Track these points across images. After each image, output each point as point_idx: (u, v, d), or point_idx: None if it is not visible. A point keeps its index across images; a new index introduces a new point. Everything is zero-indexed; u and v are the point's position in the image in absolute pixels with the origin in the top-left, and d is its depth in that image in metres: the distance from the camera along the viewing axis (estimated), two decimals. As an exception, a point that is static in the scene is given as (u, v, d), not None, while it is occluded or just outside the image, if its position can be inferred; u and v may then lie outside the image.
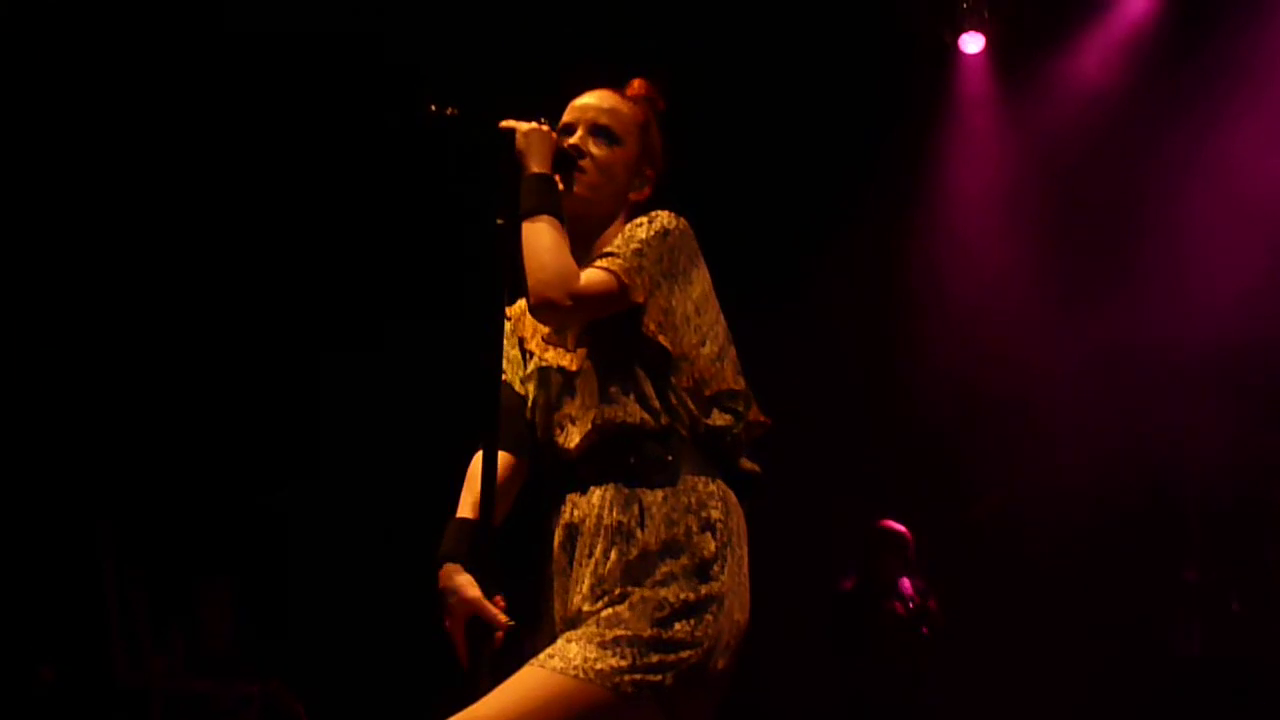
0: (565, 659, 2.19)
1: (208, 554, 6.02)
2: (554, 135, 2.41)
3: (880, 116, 6.48)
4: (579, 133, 2.50)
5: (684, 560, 2.27)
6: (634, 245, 2.36)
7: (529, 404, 2.50)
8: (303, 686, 5.74)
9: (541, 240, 2.31)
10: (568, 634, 2.25)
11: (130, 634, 5.45)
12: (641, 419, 2.35)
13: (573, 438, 2.39)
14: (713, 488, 2.35)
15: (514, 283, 2.36)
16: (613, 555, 2.29)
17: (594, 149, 2.48)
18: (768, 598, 2.58)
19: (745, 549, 2.36)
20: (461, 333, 2.84)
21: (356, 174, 6.09)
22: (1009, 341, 6.49)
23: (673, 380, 2.37)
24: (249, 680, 5.65)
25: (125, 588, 5.46)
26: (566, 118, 2.53)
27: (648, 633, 2.20)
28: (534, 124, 2.40)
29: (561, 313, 2.32)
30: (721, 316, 2.47)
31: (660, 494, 2.32)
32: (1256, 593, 6.04)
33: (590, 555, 2.32)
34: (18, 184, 5.78)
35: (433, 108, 2.35)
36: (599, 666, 2.17)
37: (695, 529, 2.30)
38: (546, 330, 2.51)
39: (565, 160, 2.43)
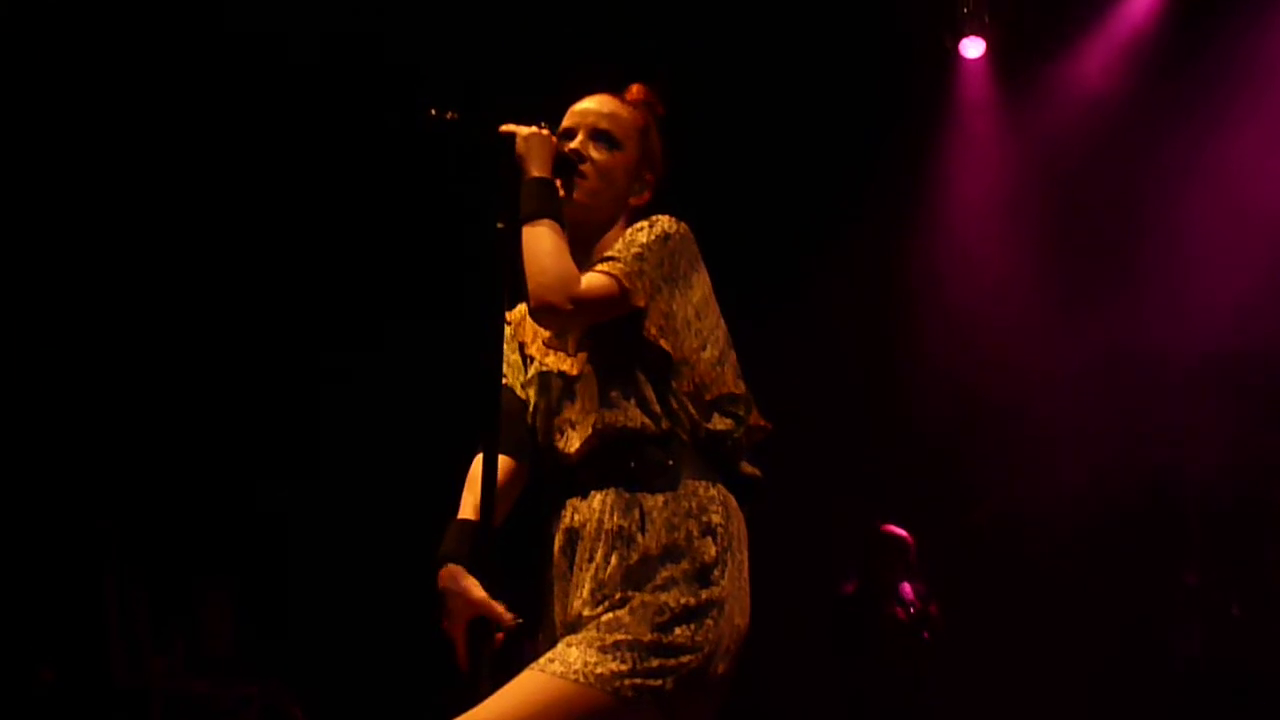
0: (565, 663, 2.19)
1: (208, 555, 6.02)
2: (554, 140, 2.42)
3: (880, 121, 6.48)
4: (579, 137, 2.50)
5: (685, 565, 2.27)
6: (634, 249, 2.37)
7: (530, 409, 2.51)
8: (302, 688, 5.74)
9: (542, 244, 2.32)
10: (568, 638, 2.26)
11: (130, 635, 5.44)
12: (642, 423, 2.35)
13: (573, 442, 2.40)
14: (713, 492, 2.36)
15: (514, 287, 2.36)
16: (613, 560, 2.29)
17: (594, 153, 2.48)
18: (768, 601, 2.59)
19: (746, 553, 2.37)
20: (461, 334, 2.85)
21: (356, 174, 6.08)
22: (1009, 345, 6.49)
23: (673, 385, 2.37)
24: (248, 681, 5.65)
25: (125, 588, 5.46)
26: (566, 122, 2.53)
27: (648, 637, 2.21)
28: (534, 128, 2.41)
29: (562, 317, 2.32)
30: (722, 320, 2.48)
31: (661, 499, 2.32)
32: (1257, 596, 6.04)
33: (591, 560, 2.33)
34: (18, 184, 5.78)
35: (433, 112, 2.36)
36: (599, 671, 2.18)
37: (696, 534, 2.30)
38: (546, 335, 2.51)
39: (566, 165, 2.44)
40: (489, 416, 2.34)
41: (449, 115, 2.36)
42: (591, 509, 2.36)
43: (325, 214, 6.22)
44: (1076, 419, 6.36)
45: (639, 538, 2.30)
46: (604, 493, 2.36)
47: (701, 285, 2.45)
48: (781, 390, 3.11)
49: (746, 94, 6.14)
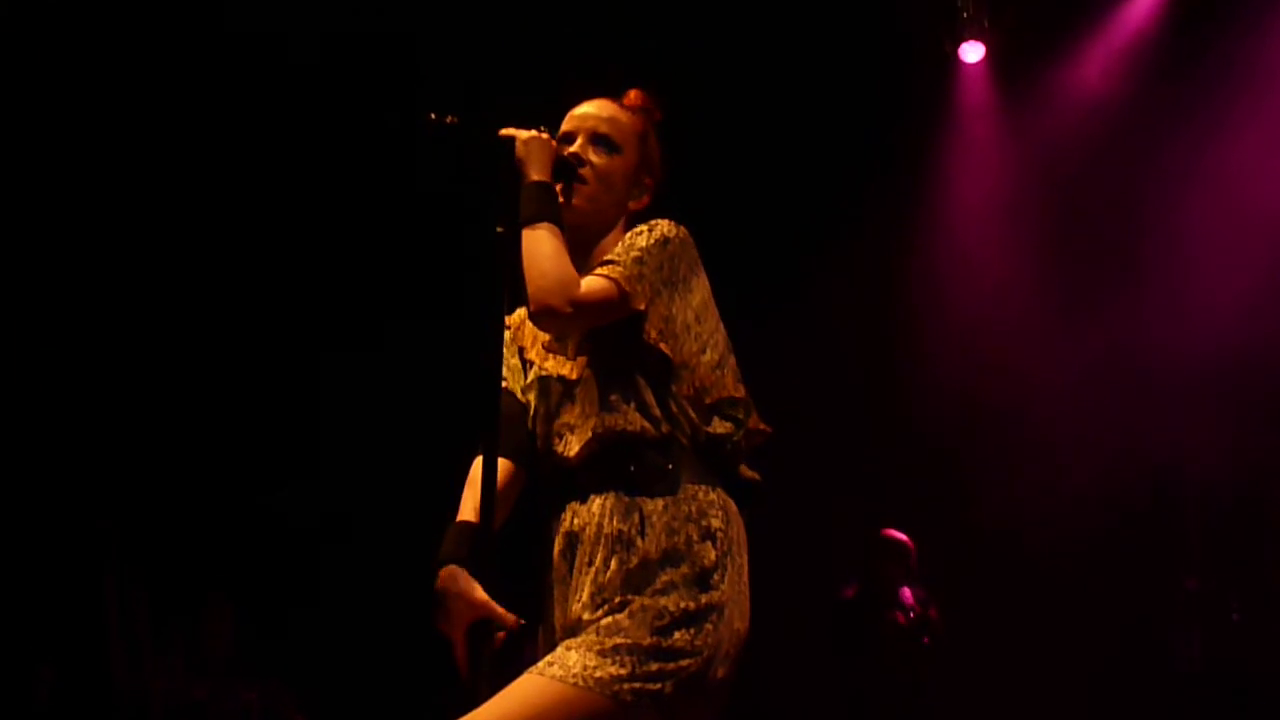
0: (565, 667, 2.19)
1: (208, 558, 6.02)
2: (554, 143, 2.42)
3: (880, 125, 6.49)
4: (579, 141, 2.50)
5: (684, 569, 2.27)
6: (634, 253, 2.37)
7: (530, 413, 2.51)
8: (302, 691, 5.74)
9: (542, 248, 2.32)
10: (567, 642, 2.26)
11: (130, 638, 5.44)
12: (642, 427, 2.35)
13: (572, 446, 2.40)
14: (713, 496, 2.36)
15: (513, 290, 2.37)
16: (613, 564, 2.29)
17: (594, 157, 2.49)
18: (768, 605, 2.59)
19: (745, 558, 2.36)
20: (461, 337, 2.85)
21: (355, 175, 6.09)
22: (1009, 349, 6.49)
23: (673, 388, 2.37)
24: (248, 685, 5.65)
25: (126, 591, 5.46)
26: (566, 126, 2.54)
27: (647, 641, 2.21)
28: (534, 132, 2.41)
29: (562, 320, 2.32)
30: (721, 324, 2.48)
31: (661, 502, 2.32)
32: (1257, 599, 6.04)
33: (590, 563, 2.33)
34: (19, 184, 5.78)
35: (433, 115, 2.36)
36: (598, 674, 2.18)
37: (696, 538, 2.30)
38: (546, 338, 2.51)
39: (565, 168, 2.44)
40: (489, 419, 2.34)
41: (449, 119, 2.37)
42: (591, 513, 2.36)
43: (325, 216, 6.22)
44: (1076, 423, 6.37)
45: (638, 542, 2.30)
46: (603, 497, 2.35)
47: (701, 289, 2.45)
48: (782, 394, 3.12)
49: (747, 98, 6.15)
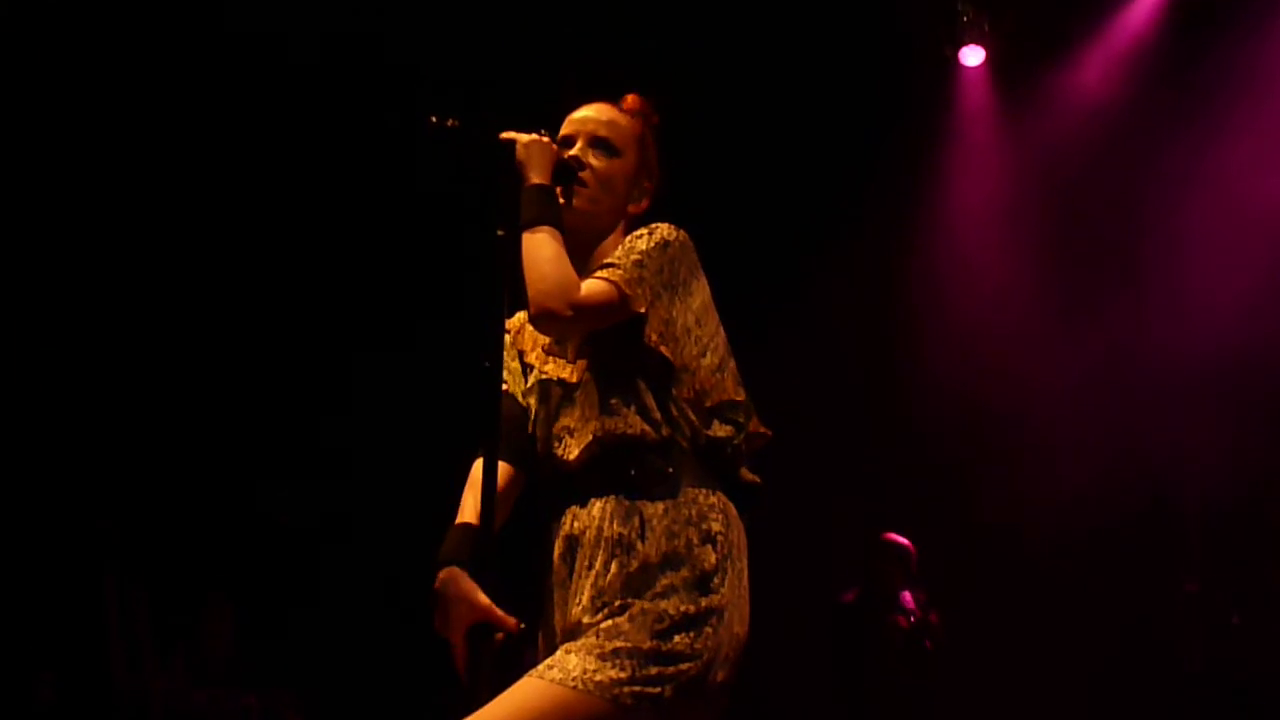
0: (564, 670, 2.19)
1: (209, 563, 6.02)
2: (554, 147, 2.42)
3: (880, 129, 6.49)
4: (578, 144, 2.51)
5: (684, 573, 2.27)
6: (634, 256, 2.37)
7: (531, 417, 2.50)
8: (302, 696, 5.73)
9: (542, 251, 2.32)
10: (567, 645, 2.25)
11: (130, 639, 5.43)
12: (642, 431, 2.35)
13: (572, 450, 2.39)
14: (713, 500, 2.35)
15: (514, 294, 2.36)
16: (613, 567, 2.29)
17: (593, 160, 2.49)
18: (768, 609, 2.58)
19: (745, 561, 2.36)
20: (461, 340, 2.85)
21: (354, 176, 6.09)
22: (1009, 353, 6.49)
23: (673, 391, 2.37)
24: (248, 689, 5.64)
25: (126, 592, 5.45)
26: (565, 130, 2.54)
27: (647, 645, 2.20)
28: (534, 135, 2.41)
29: (562, 323, 2.32)
30: (721, 327, 2.48)
31: (661, 506, 2.32)
32: (1257, 603, 6.03)
33: (590, 567, 2.32)
34: (20, 185, 5.78)
35: (434, 119, 2.36)
36: (598, 678, 2.17)
37: (696, 541, 2.30)
38: (546, 342, 2.51)
39: (565, 172, 2.44)
40: (489, 421, 2.33)
41: (450, 122, 2.37)
42: (591, 516, 2.35)
43: (324, 217, 6.22)
44: (1077, 426, 6.36)
45: (639, 545, 2.29)
46: (604, 500, 2.35)
47: (701, 292, 2.45)
48: (782, 397, 3.12)
49: (747, 102, 6.16)
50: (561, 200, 2.42)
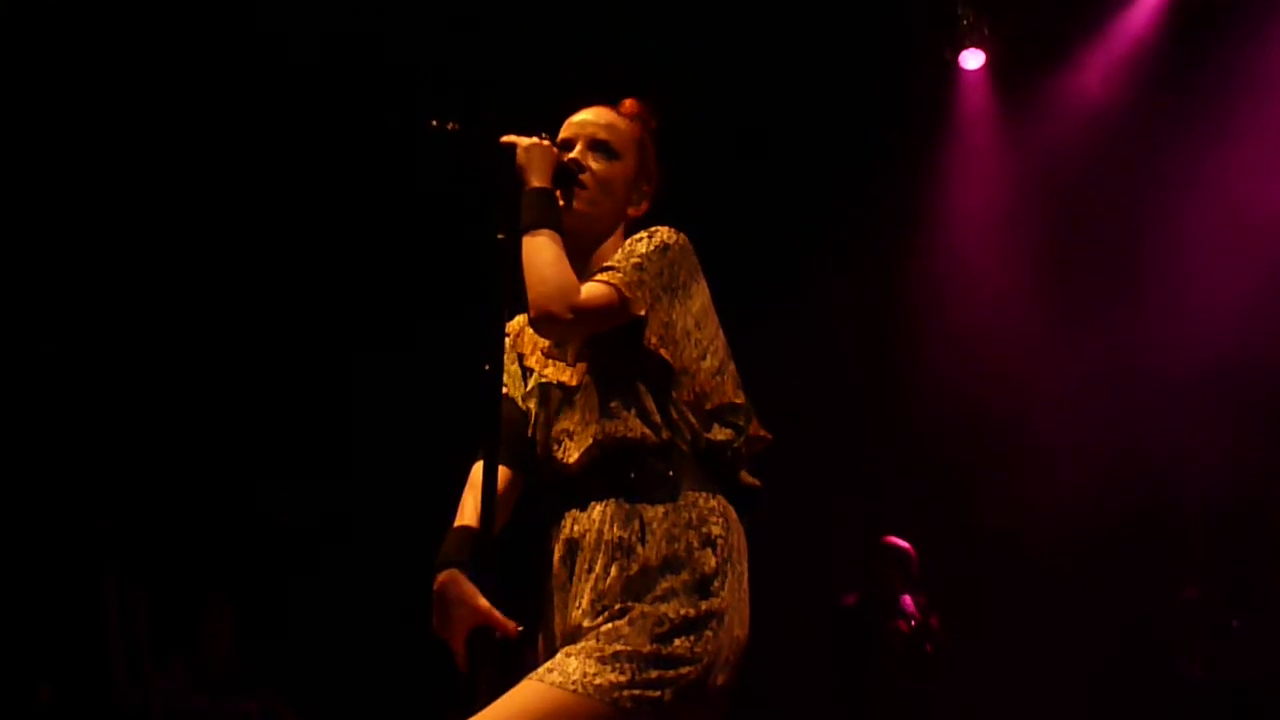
0: (564, 673, 2.19)
1: (209, 563, 6.02)
2: (554, 150, 2.43)
3: (880, 132, 6.49)
4: (578, 147, 2.51)
5: (684, 576, 2.27)
6: (634, 259, 2.37)
7: (531, 421, 2.51)
8: (301, 701, 5.73)
9: (542, 254, 2.32)
10: (567, 649, 2.25)
11: (130, 650, 5.43)
12: (643, 434, 2.35)
13: (572, 453, 2.39)
14: (713, 503, 2.35)
15: (514, 297, 2.37)
16: (613, 571, 2.29)
17: (593, 164, 2.49)
18: (768, 612, 2.59)
19: (745, 565, 2.36)
20: (461, 343, 2.85)
21: (354, 178, 6.08)
22: (1009, 357, 6.49)
23: (673, 395, 2.37)
24: (247, 695, 5.64)
25: (126, 597, 5.45)
26: (564, 133, 2.54)
27: (647, 648, 2.20)
28: (535, 139, 2.42)
29: (562, 326, 2.32)
30: (721, 330, 2.48)
31: (661, 509, 2.32)
32: (1258, 606, 6.03)
33: (590, 570, 2.32)
34: (21, 185, 5.78)
35: (434, 122, 2.36)
36: (598, 681, 2.17)
37: (696, 545, 2.30)
38: (546, 345, 2.51)
39: (566, 175, 2.44)
40: (489, 424, 2.33)
41: (450, 126, 2.37)
42: (591, 520, 2.36)
43: (323, 218, 6.22)
44: (1077, 429, 6.36)
45: (639, 549, 2.29)
46: (604, 503, 2.35)
47: (701, 295, 2.46)
48: (783, 400, 3.11)
49: (747, 104, 6.15)
50: (561, 203, 2.42)
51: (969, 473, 6.45)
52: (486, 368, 2.34)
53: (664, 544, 2.29)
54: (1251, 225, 6.11)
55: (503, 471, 2.46)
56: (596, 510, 2.35)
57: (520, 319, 2.57)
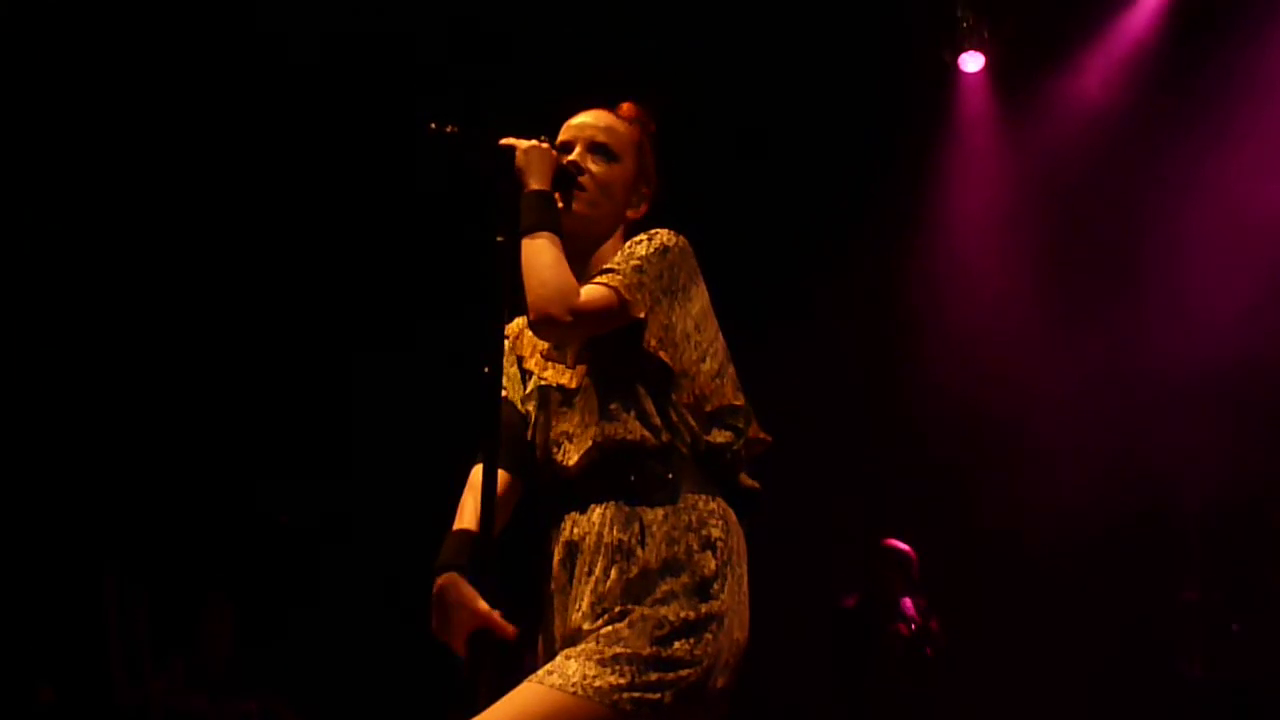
0: (564, 676, 2.19)
1: (209, 563, 6.02)
2: (553, 153, 2.43)
3: (880, 135, 6.49)
4: (577, 150, 2.51)
5: (684, 579, 2.27)
6: (634, 262, 2.37)
7: (531, 424, 2.51)
8: (301, 702, 5.73)
9: (541, 257, 2.32)
10: (567, 651, 2.25)
11: (130, 652, 5.43)
12: (642, 436, 2.35)
13: (571, 455, 2.39)
14: (713, 506, 2.35)
15: (513, 300, 2.37)
16: (613, 573, 2.29)
17: (593, 166, 2.49)
18: (768, 614, 2.59)
19: (745, 567, 2.36)
20: (461, 346, 2.85)
21: (354, 179, 6.08)
22: (1009, 360, 6.49)
23: (673, 397, 2.37)
24: (246, 696, 5.64)
25: (126, 605, 5.45)
26: (563, 136, 2.54)
27: (647, 651, 2.20)
28: (534, 141, 2.42)
29: (561, 328, 2.32)
30: (720, 333, 2.48)
31: (661, 512, 2.32)
32: (1258, 608, 6.03)
33: (590, 573, 2.32)
34: (22, 187, 5.78)
35: (433, 125, 2.36)
36: (598, 684, 2.18)
37: (696, 547, 2.30)
38: (545, 347, 2.51)
39: (565, 177, 2.44)
40: (489, 427, 2.34)
41: (449, 129, 2.37)
42: (591, 522, 2.36)
43: (323, 219, 6.22)
44: (1077, 431, 6.36)
45: (638, 551, 2.30)
46: (603, 506, 2.35)
47: (700, 298, 2.46)
48: (782, 402, 3.11)
49: (748, 106, 6.15)
50: (560, 205, 2.42)
51: (969, 474, 6.44)
52: (486, 370, 2.34)
53: (664, 547, 2.29)
54: (1251, 226, 6.11)
55: (502, 474, 2.46)
56: (596, 513, 2.36)
57: (519, 321, 2.57)
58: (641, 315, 2.34)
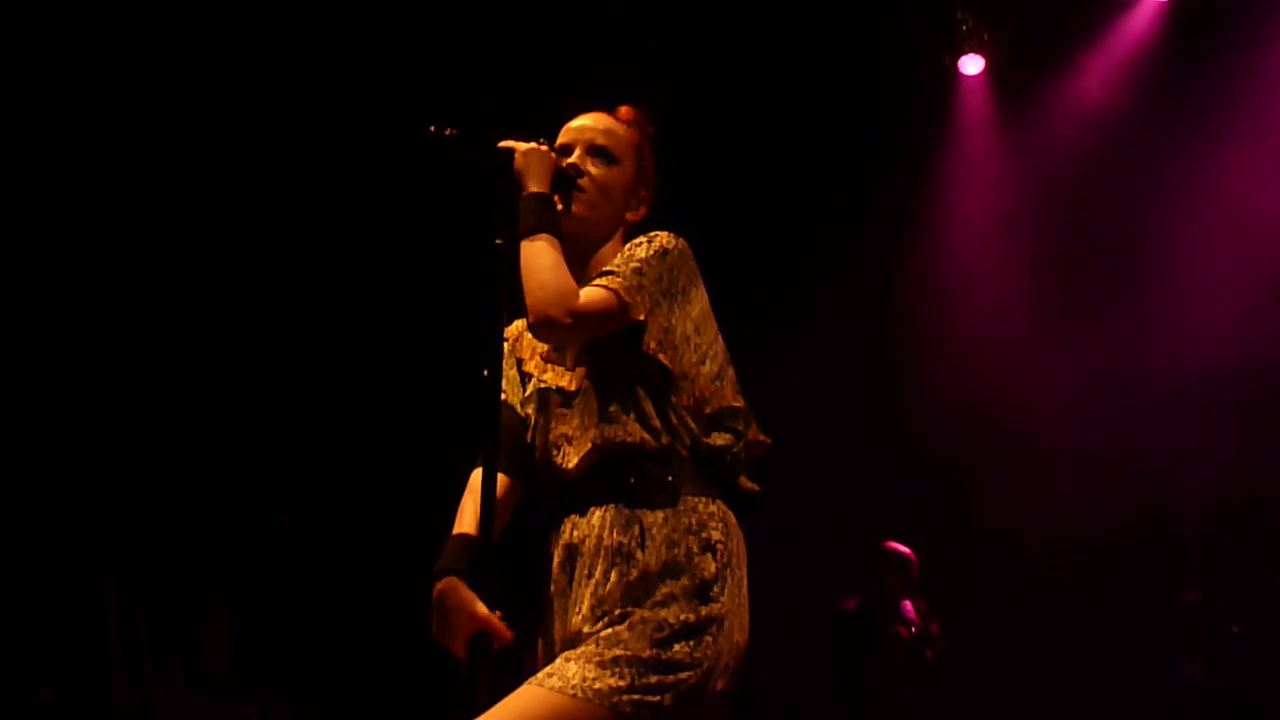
0: (564, 678, 2.19)
1: (208, 572, 6.02)
2: (553, 155, 2.43)
3: (880, 138, 6.49)
4: (576, 153, 2.51)
5: (684, 581, 2.27)
6: (633, 264, 2.37)
7: (530, 426, 2.51)
8: (301, 705, 5.73)
9: (541, 259, 2.32)
10: (566, 653, 2.25)
11: (130, 652, 5.43)
12: (642, 438, 2.35)
13: (571, 458, 2.39)
14: (713, 508, 2.35)
15: (512, 303, 2.37)
16: (613, 576, 2.29)
17: (592, 168, 2.49)
18: (768, 617, 2.59)
19: (745, 570, 2.36)
20: (461, 348, 2.85)
21: (353, 180, 6.09)
22: (1009, 363, 6.49)
23: (673, 399, 2.37)
24: (248, 698, 5.64)
25: (126, 605, 5.45)
26: (563, 139, 2.54)
27: (647, 653, 2.21)
28: (533, 144, 2.42)
29: (561, 330, 2.32)
30: (720, 335, 2.48)
31: (661, 515, 2.32)
32: (1258, 610, 6.03)
33: (590, 576, 2.32)
34: (22, 189, 5.78)
35: (432, 128, 2.36)
36: (597, 686, 2.18)
37: (696, 550, 2.30)
38: (544, 350, 2.51)
39: (564, 180, 2.44)
40: (488, 430, 2.34)
41: (448, 131, 2.37)
42: (591, 525, 2.36)
43: (324, 220, 6.23)
44: (1077, 434, 6.36)
45: (638, 554, 2.30)
46: (603, 509, 2.35)
47: (700, 300, 2.46)
48: (782, 405, 3.11)
49: (747, 109, 6.15)
50: (560, 208, 2.42)
51: (969, 476, 6.44)
52: (485, 373, 2.34)
53: (664, 549, 2.29)
54: (1252, 228, 6.11)
55: (501, 477, 2.45)
56: (596, 515, 2.36)
57: (519, 324, 2.57)
58: (641, 318, 2.34)
